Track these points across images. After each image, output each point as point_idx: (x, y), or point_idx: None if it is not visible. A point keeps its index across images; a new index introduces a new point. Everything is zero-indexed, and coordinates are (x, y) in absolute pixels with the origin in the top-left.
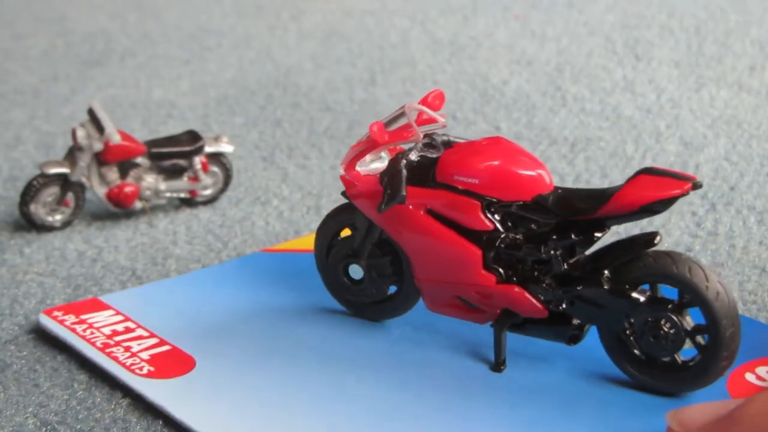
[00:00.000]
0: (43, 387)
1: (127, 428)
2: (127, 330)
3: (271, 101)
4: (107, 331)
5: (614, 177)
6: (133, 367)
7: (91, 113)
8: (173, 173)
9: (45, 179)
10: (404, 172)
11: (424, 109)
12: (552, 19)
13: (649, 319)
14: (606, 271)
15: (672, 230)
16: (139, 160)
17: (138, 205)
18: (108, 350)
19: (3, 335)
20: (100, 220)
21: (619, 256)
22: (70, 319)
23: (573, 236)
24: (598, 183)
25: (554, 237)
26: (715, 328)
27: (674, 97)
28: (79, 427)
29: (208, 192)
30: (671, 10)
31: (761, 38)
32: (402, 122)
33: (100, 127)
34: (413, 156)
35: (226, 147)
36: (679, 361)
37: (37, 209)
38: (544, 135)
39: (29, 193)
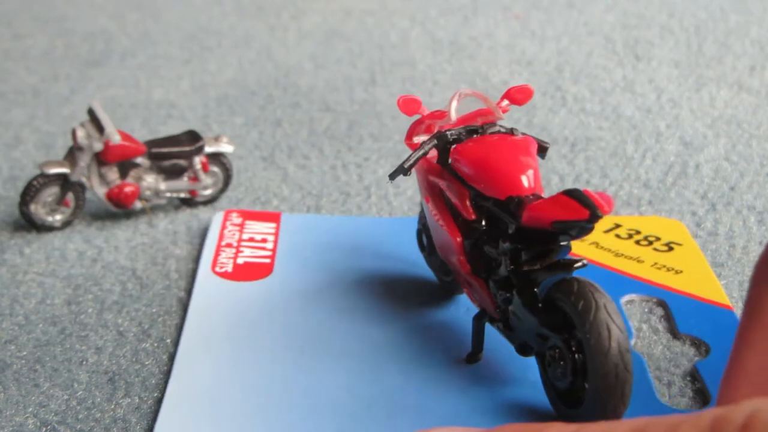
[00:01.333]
0: (43, 387)
1: (126, 428)
2: (263, 241)
3: (271, 101)
4: (246, 236)
5: (614, 177)
6: (218, 265)
7: (91, 113)
8: (173, 173)
9: (45, 179)
10: (425, 148)
11: (476, 94)
12: (552, 19)
13: (549, 343)
14: (536, 288)
15: None
16: (139, 160)
17: (138, 205)
18: (222, 248)
19: (3, 335)
20: (100, 220)
21: (552, 273)
22: (236, 220)
23: (516, 243)
24: (598, 183)
25: (502, 240)
26: (591, 370)
27: (674, 97)
28: (79, 427)
29: (208, 192)
30: (671, 10)
31: (761, 38)
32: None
33: (100, 127)
34: (449, 136)
35: (226, 147)
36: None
37: (37, 209)
38: (544, 135)
39: (29, 193)
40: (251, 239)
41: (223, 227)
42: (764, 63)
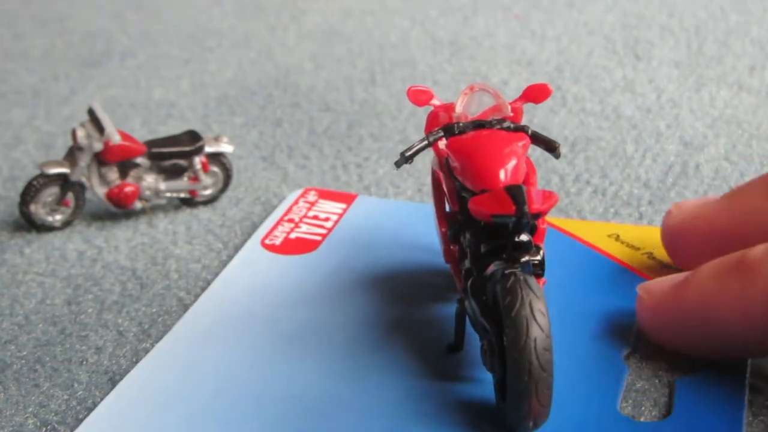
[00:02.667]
0: (43, 387)
1: None
2: (326, 219)
3: (271, 101)
4: (312, 213)
5: (614, 177)
6: (269, 237)
7: (91, 113)
8: (173, 173)
9: (45, 179)
10: (428, 139)
11: (487, 89)
12: (552, 19)
13: (487, 335)
14: (487, 281)
15: None
16: (139, 160)
17: (138, 205)
18: (282, 222)
19: (3, 335)
20: (100, 220)
21: (501, 267)
22: (311, 198)
23: (478, 235)
24: (598, 183)
25: (468, 231)
26: (508, 365)
27: (674, 97)
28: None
29: (208, 192)
30: (671, 10)
31: (761, 38)
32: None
33: (100, 127)
34: (456, 128)
35: (226, 147)
36: None
37: (37, 209)
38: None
39: (29, 193)
40: (315, 217)
41: (295, 203)
42: (764, 63)
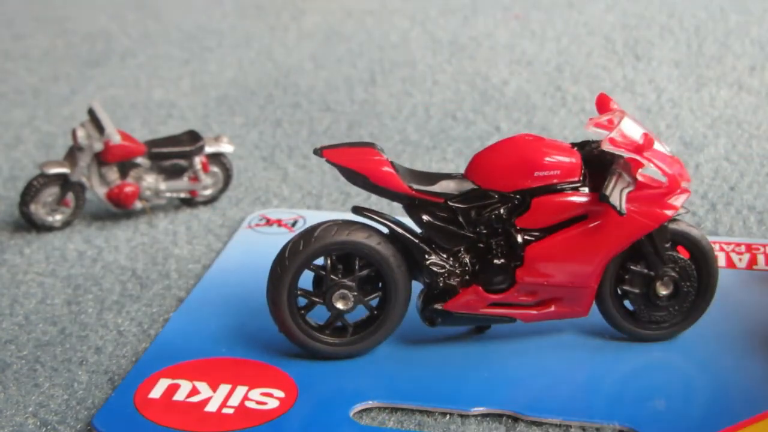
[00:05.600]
0: (43, 387)
1: None
2: None
3: (271, 101)
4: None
5: None
6: None
7: (91, 113)
8: (173, 173)
9: (45, 179)
10: None
11: (622, 117)
12: (552, 19)
13: None
14: None
15: None
16: (139, 160)
17: (138, 205)
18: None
19: (3, 335)
20: (100, 220)
21: None
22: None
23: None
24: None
25: None
26: None
27: (674, 97)
28: (79, 427)
29: (208, 192)
30: (671, 10)
31: (761, 38)
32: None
33: (100, 127)
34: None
35: (226, 147)
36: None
37: (37, 209)
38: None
39: (29, 193)
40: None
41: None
42: (764, 63)
